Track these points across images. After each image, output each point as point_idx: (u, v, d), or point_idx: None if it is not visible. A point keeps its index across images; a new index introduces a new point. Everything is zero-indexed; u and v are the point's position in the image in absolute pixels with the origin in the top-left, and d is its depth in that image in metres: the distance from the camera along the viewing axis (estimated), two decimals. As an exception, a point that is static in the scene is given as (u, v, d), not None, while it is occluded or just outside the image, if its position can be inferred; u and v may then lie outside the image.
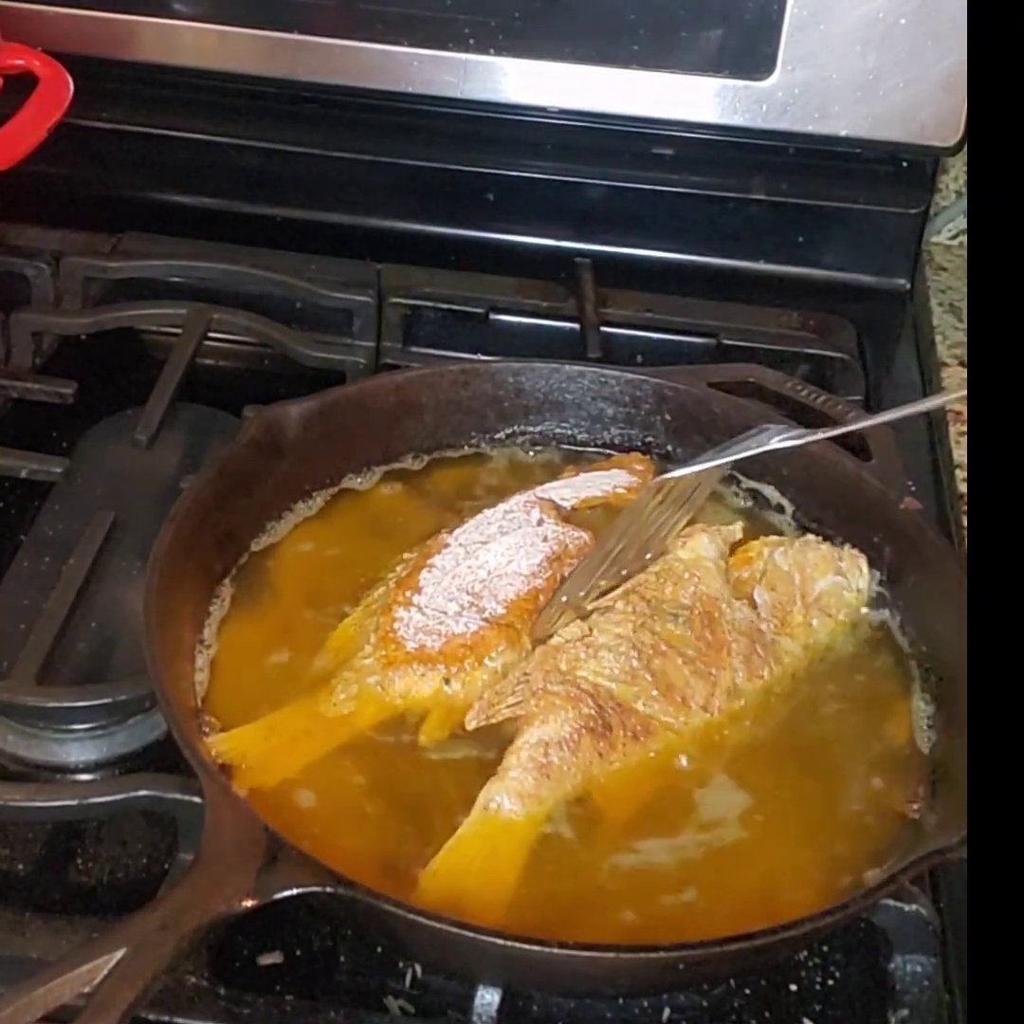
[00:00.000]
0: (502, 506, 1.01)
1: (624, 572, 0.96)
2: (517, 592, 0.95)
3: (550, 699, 0.86)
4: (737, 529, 1.01)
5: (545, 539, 0.98)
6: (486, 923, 0.74)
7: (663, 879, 0.82)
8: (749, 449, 0.99)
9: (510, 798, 0.82)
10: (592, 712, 0.86)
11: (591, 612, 0.93)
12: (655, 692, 0.88)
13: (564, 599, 0.93)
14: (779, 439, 0.99)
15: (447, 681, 0.90)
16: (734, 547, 1.00)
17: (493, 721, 0.87)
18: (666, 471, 1.00)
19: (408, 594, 0.93)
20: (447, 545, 0.97)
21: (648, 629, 0.91)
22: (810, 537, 1.01)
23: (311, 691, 0.90)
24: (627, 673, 0.88)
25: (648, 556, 0.97)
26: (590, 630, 0.91)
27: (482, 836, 0.81)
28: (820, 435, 1.00)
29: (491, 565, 0.96)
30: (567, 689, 0.87)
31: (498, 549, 0.97)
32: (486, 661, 0.91)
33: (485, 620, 0.92)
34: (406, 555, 0.99)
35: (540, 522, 1.00)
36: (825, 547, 1.00)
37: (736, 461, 1.00)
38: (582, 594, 0.94)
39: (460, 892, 0.78)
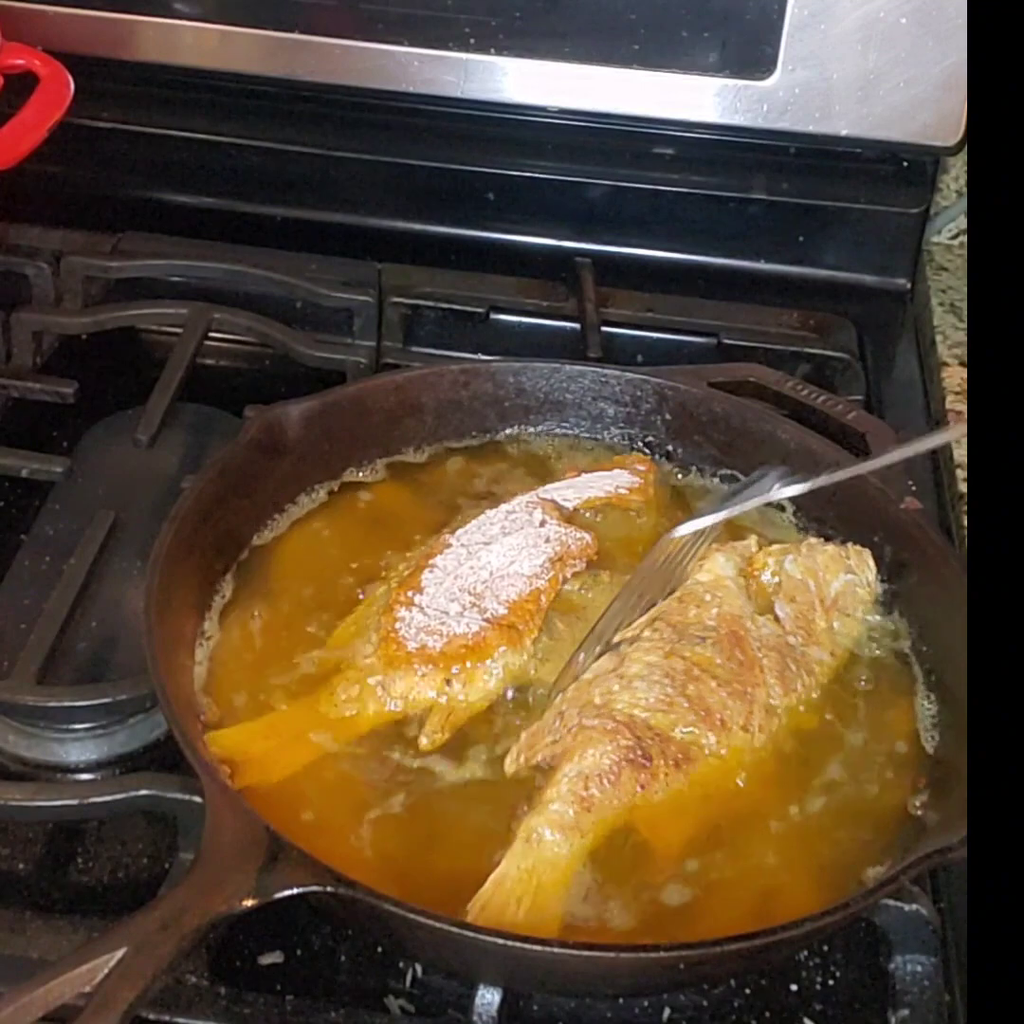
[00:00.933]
0: (504, 506, 1.01)
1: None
2: (519, 593, 0.95)
3: (587, 733, 0.86)
4: (752, 543, 1.00)
5: (547, 540, 0.98)
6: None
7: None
8: (753, 497, 0.99)
9: (551, 830, 0.82)
10: (631, 743, 0.85)
11: (618, 643, 0.92)
12: (693, 717, 0.87)
13: (580, 658, 0.92)
14: (780, 486, 0.99)
15: (448, 681, 0.90)
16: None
17: (532, 763, 0.86)
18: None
19: (410, 594, 0.93)
20: (449, 545, 0.97)
21: (678, 655, 0.90)
22: (813, 539, 1.01)
23: (312, 690, 0.90)
24: (663, 701, 0.88)
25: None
26: (621, 661, 0.90)
27: (525, 870, 0.80)
28: (822, 480, 0.98)
29: (493, 565, 0.96)
30: (603, 722, 0.86)
31: (500, 550, 0.97)
32: (488, 662, 0.91)
33: (487, 621, 0.92)
34: (408, 554, 0.99)
35: (543, 523, 1.00)
36: (831, 547, 0.99)
37: (741, 511, 0.99)
38: (596, 650, 0.93)
39: (508, 926, 0.77)
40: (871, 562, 0.99)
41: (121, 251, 1.34)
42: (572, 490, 1.05)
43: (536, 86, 1.33)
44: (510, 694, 0.91)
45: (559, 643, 0.94)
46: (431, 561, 0.96)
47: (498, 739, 0.89)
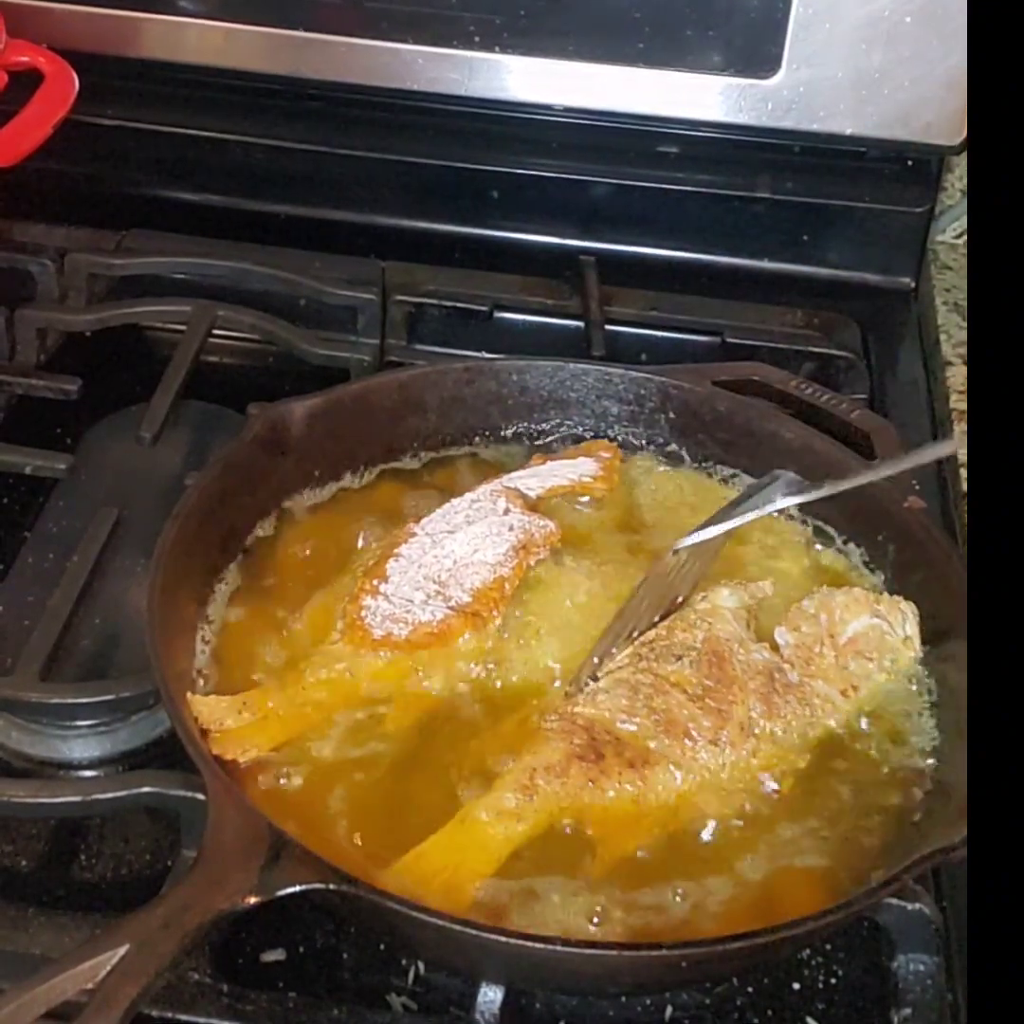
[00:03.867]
0: (469, 495, 1.02)
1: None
2: (484, 580, 0.95)
3: (544, 734, 0.86)
4: (767, 586, 0.97)
5: (511, 528, 0.99)
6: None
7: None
8: (757, 508, 0.96)
9: (488, 813, 0.82)
10: (583, 742, 0.85)
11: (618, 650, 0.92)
12: (656, 727, 0.87)
13: (595, 660, 0.92)
14: (784, 494, 0.96)
15: (415, 668, 0.90)
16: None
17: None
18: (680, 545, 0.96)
19: (375, 583, 0.94)
20: (414, 534, 0.98)
21: (649, 671, 0.90)
22: (857, 590, 0.97)
23: (281, 675, 0.91)
24: (624, 709, 0.87)
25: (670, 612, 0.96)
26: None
27: (453, 846, 0.81)
28: (826, 491, 0.96)
29: (457, 554, 0.96)
30: (562, 724, 0.87)
31: (464, 538, 0.98)
32: (453, 648, 0.92)
33: (451, 608, 0.93)
34: (374, 544, 1.00)
35: (506, 511, 1.00)
36: (858, 590, 0.96)
37: (743, 523, 0.97)
38: (612, 650, 0.93)
39: (420, 896, 0.77)
40: (910, 613, 0.94)
41: (125, 248, 1.34)
42: (536, 479, 1.05)
43: (541, 84, 1.33)
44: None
45: (523, 630, 0.94)
46: (396, 550, 0.96)
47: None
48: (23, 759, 0.92)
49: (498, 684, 0.92)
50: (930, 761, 0.89)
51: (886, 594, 0.96)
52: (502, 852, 0.81)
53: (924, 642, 0.94)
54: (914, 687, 0.93)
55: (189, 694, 0.86)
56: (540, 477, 1.05)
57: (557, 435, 1.11)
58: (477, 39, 1.31)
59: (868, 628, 0.94)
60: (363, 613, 0.92)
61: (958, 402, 1.24)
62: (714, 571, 0.98)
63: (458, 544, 0.97)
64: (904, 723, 0.92)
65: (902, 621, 0.94)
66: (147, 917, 0.69)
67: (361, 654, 0.90)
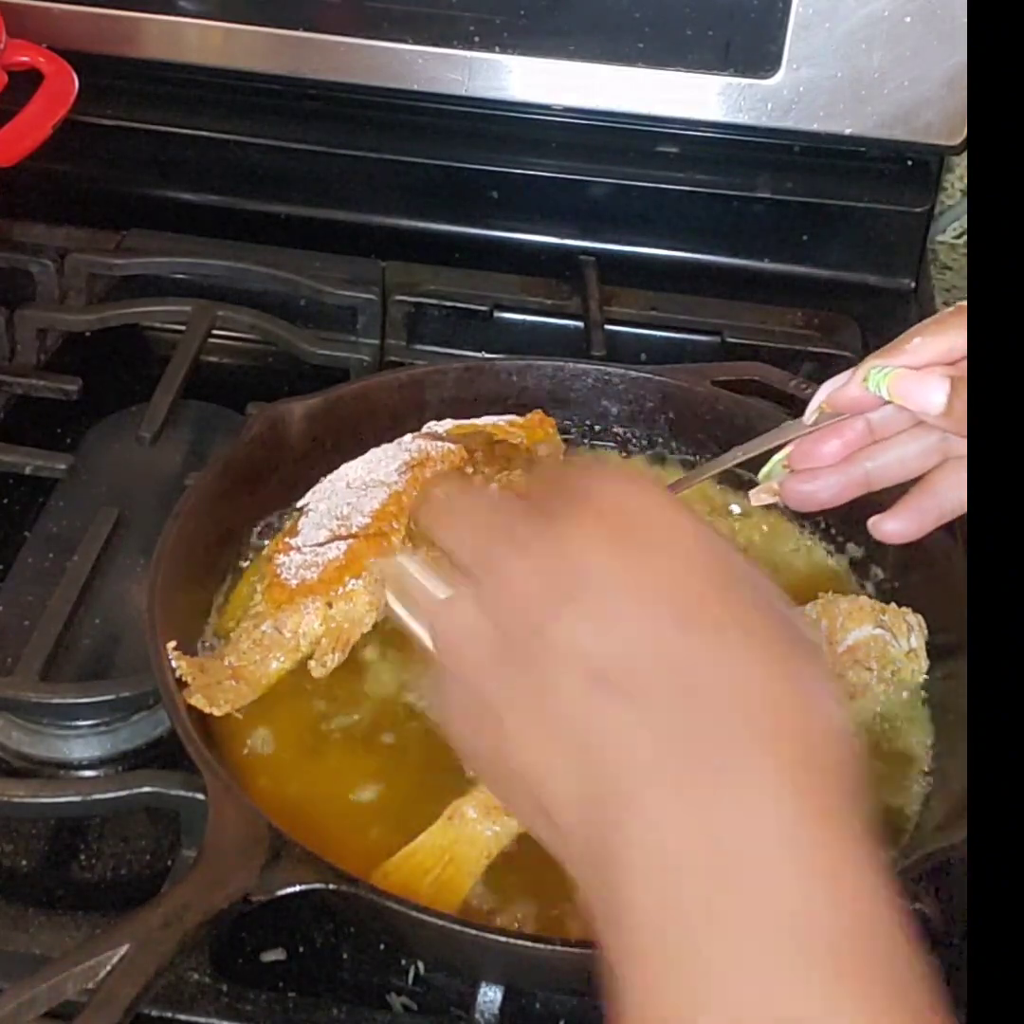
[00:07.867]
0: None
1: None
2: (380, 501, 0.96)
3: None
4: None
5: (407, 450, 1.00)
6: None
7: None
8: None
9: (475, 809, 0.82)
10: None
11: None
12: None
13: None
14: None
15: (330, 605, 0.91)
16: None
17: None
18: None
19: (287, 540, 0.95)
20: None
21: None
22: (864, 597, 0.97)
23: (220, 646, 0.91)
24: None
25: None
26: None
27: (442, 845, 0.80)
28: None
29: (350, 477, 0.98)
30: None
31: (358, 464, 0.99)
32: (364, 574, 0.92)
33: (354, 535, 0.94)
34: (295, 512, 1.01)
35: (408, 443, 1.02)
36: (863, 599, 0.95)
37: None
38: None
39: (410, 897, 0.76)
40: (917, 625, 0.93)
41: (125, 248, 1.35)
42: (450, 421, 1.06)
43: (540, 84, 1.33)
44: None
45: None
46: (305, 508, 0.98)
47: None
48: (23, 759, 0.92)
49: None
50: (928, 762, 0.90)
51: (893, 605, 0.95)
52: (492, 849, 0.81)
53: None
54: (915, 693, 0.93)
55: (170, 646, 0.85)
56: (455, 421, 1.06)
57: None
58: (477, 39, 1.31)
59: (870, 638, 0.92)
60: (278, 571, 0.93)
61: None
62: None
63: (352, 469, 0.99)
64: (902, 725, 0.92)
65: (908, 633, 0.93)
66: (147, 917, 0.69)
67: (282, 609, 0.91)
